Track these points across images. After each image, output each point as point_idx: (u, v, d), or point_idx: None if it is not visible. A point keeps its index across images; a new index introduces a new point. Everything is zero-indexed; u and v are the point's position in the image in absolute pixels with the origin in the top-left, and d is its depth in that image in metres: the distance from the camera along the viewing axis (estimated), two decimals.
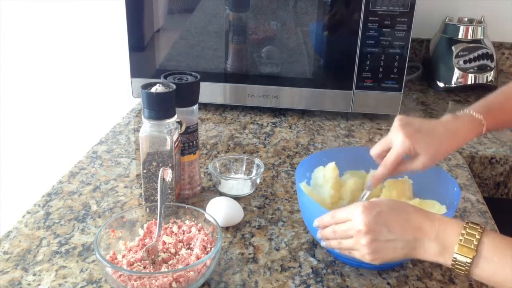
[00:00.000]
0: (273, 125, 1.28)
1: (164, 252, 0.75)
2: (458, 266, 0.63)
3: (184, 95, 0.87)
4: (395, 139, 0.78)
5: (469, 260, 0.62)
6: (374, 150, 0.82)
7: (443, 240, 0.64)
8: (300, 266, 0.77)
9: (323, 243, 0.74)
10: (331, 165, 0.86)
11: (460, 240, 0.62)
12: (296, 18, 1.24)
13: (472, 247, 0.62)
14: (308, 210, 0.79)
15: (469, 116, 0.82)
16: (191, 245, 0.76)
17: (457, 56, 1.50)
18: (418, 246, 0.65)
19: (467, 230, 0.63)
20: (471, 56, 1.50)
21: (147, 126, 0.84)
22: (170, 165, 0.85)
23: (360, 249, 0.67)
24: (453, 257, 0.63)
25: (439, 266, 0.78)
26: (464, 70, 1.51)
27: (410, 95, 1.52)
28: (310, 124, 1.29)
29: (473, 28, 1.51)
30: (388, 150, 0.80)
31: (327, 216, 0.71)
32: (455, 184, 0.80)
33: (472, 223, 0.64)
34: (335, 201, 0.85)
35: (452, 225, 0.64)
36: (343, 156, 0.91)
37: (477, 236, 0.62)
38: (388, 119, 1.32)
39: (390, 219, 0.66)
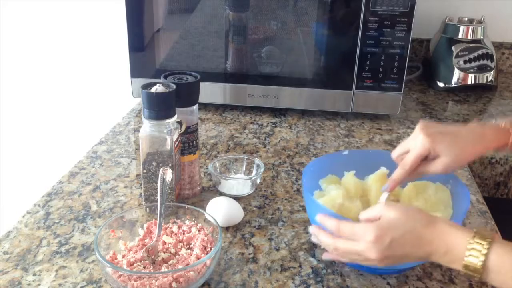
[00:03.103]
0: (273, 125, 1.28)
1: (164, 252, 0.75)
2: (469, 274, 0.63)
3: (184, 95, 0.87)
4: (416, 139, 0.76)
5: (477, 275, 0.62)
6: (395, 153, 0.80)
7: (453, 254, 0.64)
8: (300, 266, 0.77)
9: (312, 239, 0.74)
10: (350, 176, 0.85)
11: (467, 256, 0.62)
12: (296, 18, 1.24)
13: (479, 263, 0.62)
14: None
15: (496, 125, 0.79)
16: (191, 245, 0.76)
17: (457, 56, 1.50)
18: (430, 257, 0.66)
19: (474, 246, 0.62)
20: (471, 56, 1.50)
21: (147, 126, 0.84)
22: (170, 165, 0.85)
23: (370, 264, 0.68)
24: (462, 270, 0.64)
25: (439, 266, 0.78)
26: (464, 70, 1.51)
27: (410, 95, 1.52)
28: (310, 124, 1.29)
29: (473, 28, 1.51)
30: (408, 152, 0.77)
31: (332, 223, 0.70)
32: (467, 194, 0.78)
33: (479, 235, 0.63)
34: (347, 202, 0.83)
35: (460, 239, 0.64)
36: (347, 160, 0.90)
37: (484, 252, 0.62)
38: (388, 119, 1.32)
39: (403, 243, 0.65)
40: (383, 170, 0.84)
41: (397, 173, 0.77)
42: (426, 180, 0.84)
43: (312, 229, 0.74)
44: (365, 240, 0.66)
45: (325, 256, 0.74)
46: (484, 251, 0.62)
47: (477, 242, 0.62)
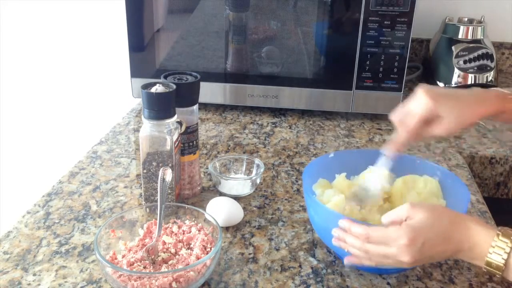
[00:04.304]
0: (273, 125, 1.28)
1: (164, 252, 0.75)
2: (491, 272, 0.64)
3: (184, 95, 0.87)
4: (418, 101, 0.74)
5: (499, 272, 0.63)
6: (395, 115, 0.78)
7: (476, 251, 0.65)
8: (300, 266, 0.77)
9: (334, 242, 0.71)
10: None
11: (490, 253, 0.63)
12: (296, 18, 1.24)
13: (502, 260, 0.63)
14: (327, 219, 0.74)
15: (497, 90, 0.79)
16: (191, 245, 0.76)
17: (457, 56, 1.50)
18: (455, 255, 0.67)
19: (498, 244, 0.63)
20: (471, 56, 1.50)
21: (147, 126, 0.84)
22: (170, 165, 0.85)
23: (401, 267, 0.68)
24: (484, 267, 0.64)
25: (439, 266, 0.78)
26: (464, 70, 1.50)
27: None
28: (310, 124, 1.29)
29: (473, 28, 1.51)
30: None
31: (360, 228, 0.67)
32: (467, 191, 0.78)
33: (504, 234, 0.63)
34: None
35: (485, 236, 0.64)
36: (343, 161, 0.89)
37: (507, 250, 0.62)
38: (388, 119, 1.32)
39: (434, 244, 0.65)
40: (371, 169, 0.84)
41: (399, 135, 0.76)
42: (413, 174, 0.84)
43: (336, 232, 0.70)
44: (398, 244, 0.64)
45: (348, 261, 0.70)
46: (508, 249, 0.62)
47: (502, 240, 0.63)
